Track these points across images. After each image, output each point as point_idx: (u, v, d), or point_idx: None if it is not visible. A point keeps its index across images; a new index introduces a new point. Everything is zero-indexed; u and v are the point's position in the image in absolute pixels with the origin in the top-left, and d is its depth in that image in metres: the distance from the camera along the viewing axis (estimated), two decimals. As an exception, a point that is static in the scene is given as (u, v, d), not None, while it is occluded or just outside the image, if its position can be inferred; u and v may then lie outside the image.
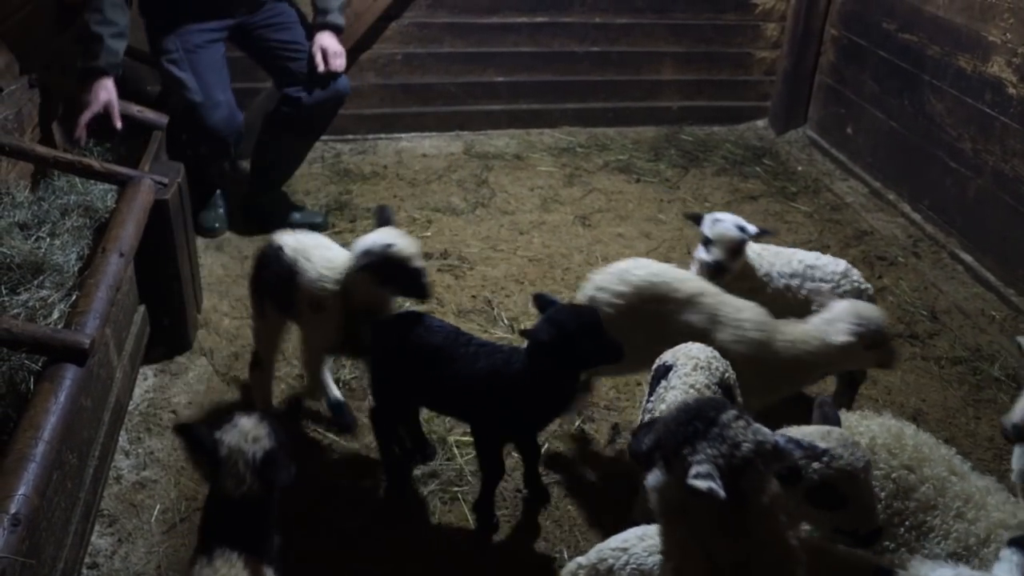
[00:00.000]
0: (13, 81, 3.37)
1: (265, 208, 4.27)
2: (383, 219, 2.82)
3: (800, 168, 5.48)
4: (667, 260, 4.17)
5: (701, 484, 1.54)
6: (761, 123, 6.04)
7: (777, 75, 5.91)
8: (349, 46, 4.86)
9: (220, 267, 4.06)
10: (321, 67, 3.94)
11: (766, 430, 1.68)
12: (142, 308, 3.27)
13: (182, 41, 3.78)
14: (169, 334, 3.44)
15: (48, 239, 2.90)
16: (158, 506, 2.83)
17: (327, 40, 4.00)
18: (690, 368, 2.39)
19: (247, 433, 1.96)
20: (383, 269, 2.64)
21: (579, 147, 5.44)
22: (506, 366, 2.53)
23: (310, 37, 4.03)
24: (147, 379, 3.34)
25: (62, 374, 2.20)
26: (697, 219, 3.21)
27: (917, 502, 2.16)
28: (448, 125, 5.46)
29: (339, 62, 4.00)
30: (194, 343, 3.53)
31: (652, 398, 2.42)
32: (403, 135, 5.41)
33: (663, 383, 2.40)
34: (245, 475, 1.92)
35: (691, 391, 2.30)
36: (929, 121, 4.72)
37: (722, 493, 1.53)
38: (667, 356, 2.51)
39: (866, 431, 2.32)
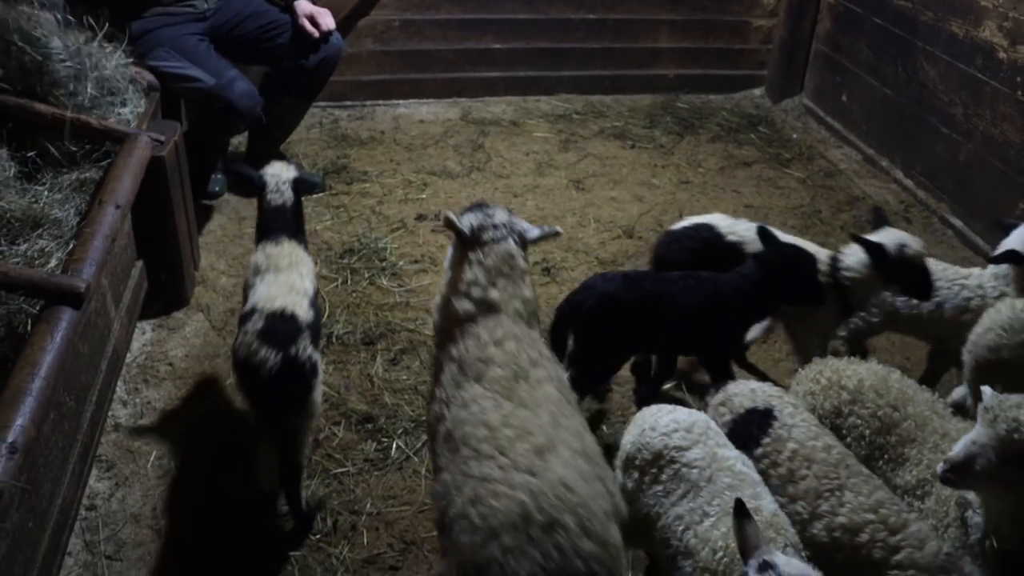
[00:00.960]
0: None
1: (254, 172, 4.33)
2: (879, 221, 3.04)
3: (795, 136, 5.52)
4: (659, 223, 4.31)
5: None
6: (758, 91, 6.07)
7: (774, 43, 5.93)
8: (346, 12, 4.94)
9: (218, 227, 4.13)
10: (315, 33, 3.98)
11: None
12: (140, 263, 3.35)
13: (168, 43, 3.77)
14: (166, 289, 3.52)
15: (47, 194, 2.97)
16: (154, 452, 2.92)
17: (308, 6, 4.04)
18: None
19: (280, 168, 2.91)
20: (895, 268, 2.85)
21: (575, 114, 5.49)
22: (727, 293, 2.79)
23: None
24: (145, 333, 3.43)
25: (58, 316, 2.28)
26: (1008, 227, 3.02)
27: (898, 436, 2.30)
28: (445, 92, 5.50)
29: (328, 20, 4.06)
30: (191, 299, 3.61)
31: None
32: (400, 101, 5.46)
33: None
34: (284, 191, 2.83)
35: None
36: (922, 87, 4.75)
37: None
38: None
39: (854, 374, 2.45)
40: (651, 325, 2.80)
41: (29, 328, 2.32)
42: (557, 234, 2.47)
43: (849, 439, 2.37)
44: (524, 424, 1.88)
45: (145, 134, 3.18)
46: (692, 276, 2.85)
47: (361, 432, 3.01)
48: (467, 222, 2.29)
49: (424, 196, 4.43)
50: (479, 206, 2.37)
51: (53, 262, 2.61)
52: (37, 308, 2.38)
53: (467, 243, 2.28)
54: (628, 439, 2.28)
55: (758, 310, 2.93)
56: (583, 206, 4.46)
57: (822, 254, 3.01)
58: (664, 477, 2.14)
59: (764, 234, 2.89)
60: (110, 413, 3.00)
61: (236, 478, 2.77)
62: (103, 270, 2.59)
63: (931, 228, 4.56)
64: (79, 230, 2.68)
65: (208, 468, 2.87)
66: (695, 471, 2.10)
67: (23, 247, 2.72)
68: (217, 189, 4.32)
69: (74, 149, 3.13)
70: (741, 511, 1.75)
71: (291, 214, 2.85)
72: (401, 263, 3.83)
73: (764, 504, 2.01)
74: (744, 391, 2.42)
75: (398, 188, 4.49)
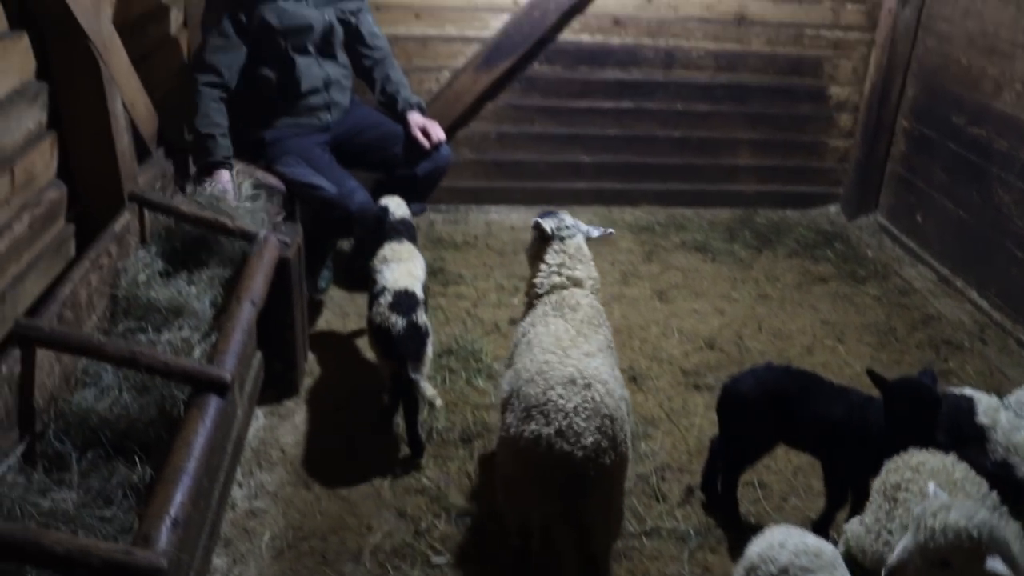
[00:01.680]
0: (159, 147, 3.86)
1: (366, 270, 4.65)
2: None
3: (870, 253, 5.68)
4: (739, 336, 4.50)
5: None
6: (833, 208, 6.28)
7: (849, 163, 6.17)
8: (448, 124, 5.31)
9: (324, 322, 4.43)
10: (427, 144, 4.34)
11: None
12: (259, 354, 3.64)
13: (296, 152, 4.16)
14: (280, 379, 3.80)
15: (188, 286, 3.30)
16: (268, 533, 3.14)
17: (420, 119, 4.44)
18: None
19: (390, 198, 3.97)
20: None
21: (658, 225, 5.75)
22: (865, 412, 2.93)
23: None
24: (259, 419, 3.69)
25: (207, 403, 2.53)
26: None
27: None
28: (536, 200, 5.79)
29: (438, 132, 4.44)
30: (301, 389, 3.88)
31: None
32: (493, 207, 5.80)
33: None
34: (400, 206, 3.94)
35: None
36: (996, 212, 4.91)
37: None
38: None
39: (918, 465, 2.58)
40: (798, 423, 3.03)
41: (180, 412, 2.60)
42: (611, 234, 3.39)
43: None
44: (580, 343, 2.76)
45: (274, 236, 3.51)
46: (849, 390, 3.08)
47: (459, 525, 3.20)
48: (548, 224, 3.16)
49: (516, 301, 4.69)
50: (551, 213, 3.25)
51: (197, 352, 2.90)
52: (185, 394, 2.66)
53: (550, 240, 3.15)
54: (755, 550, 2.43)
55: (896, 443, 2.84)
56: (666, 316, 4.67)
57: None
58: None
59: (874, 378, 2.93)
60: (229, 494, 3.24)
61: (346, 558, 2.99)
62: (241, 362, 2.87)
63: (1007, 350, 4.65)
64: (220, 324, 2.97)
65: (318, 551, 3.08)
66: None
67: (167, 335, 3.04)
68: (324, 285, 4.64)
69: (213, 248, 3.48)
70: None
71: (406, 224, 3.89)
72: (495, 365, 4.06)
73: None
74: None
75: (491, 292, 4.77)
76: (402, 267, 3.64)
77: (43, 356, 2.59)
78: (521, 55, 5.39)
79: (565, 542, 2.69)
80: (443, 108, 5.35)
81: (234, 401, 3.14)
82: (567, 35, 5.48)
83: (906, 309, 5.00)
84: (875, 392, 2.89)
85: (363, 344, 4.24)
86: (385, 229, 3.86)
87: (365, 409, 3.77)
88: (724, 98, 5.84)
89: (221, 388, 2.59)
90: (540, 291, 3.10)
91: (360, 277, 4.67)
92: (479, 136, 5.63)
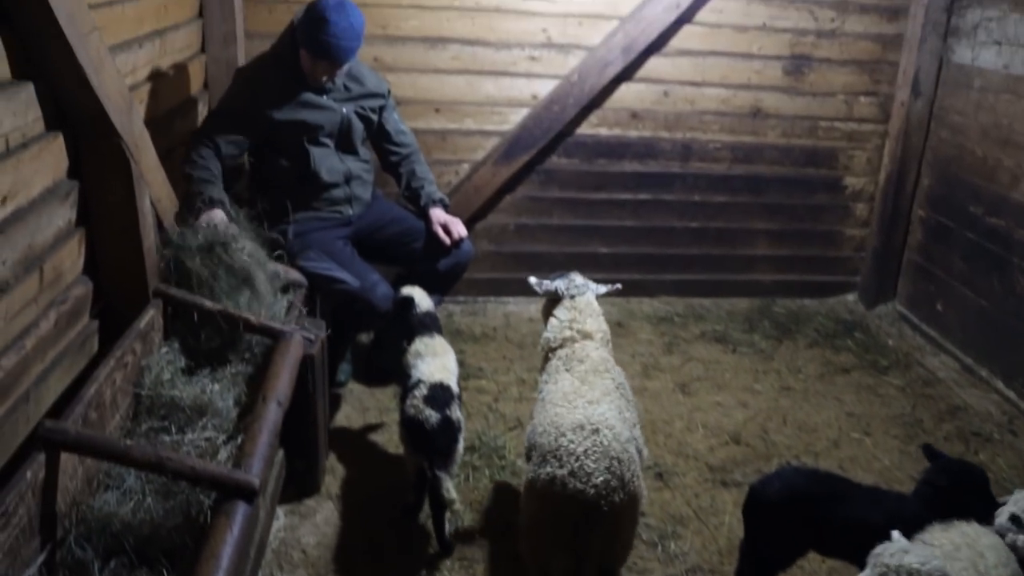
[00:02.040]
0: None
1: (387, 363, 4.61)
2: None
3: (891, 342, 5.64)
4: (764, 430, 4.43)
5: None
6: (851, 297, 6.25)
7: (866, 252, 6.17)
8: (467, 216, 5.33)
9: (344, 417, 4.37)
10: (448, 240, 4.35)
11: None
12: (280, 451, 3.57)
13: (318, 246, 4.15)
14: (301, 477, 3.73)
15: (211, 384, 3.25)
16: (290, 640, 3.04)
17: (442, 215, 4.44)
18: None
19: (411, 288, 3.96)
20: None
21: (677, 316, 5.72)
22: (902, 512, 2.84)
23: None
24: (279, 519, 3.60)
25: (235, 510, 2.46)
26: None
27: None
28: (553, 291, 5.80)
29: (460, 228, 4.43)
30: (323, 487, 3.80)
31: None
32: (511, 299, 5.78)
33: None
34: (423, 299, 3.89)
35: None
36: (1020, 301, 4.88)
37: None
38: None
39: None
40: (830, 529, 2.93)
41: (206, 518, 2.52)
42: (618, 288, 3.74)
43: None
44: (585, 392, 3.04)
45: (299, 332, 3.47)
46: (881, 491, 3.03)
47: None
48: (560, 285, 3.57)
49: (536, 395, 4.62)
50: (562, 274, 3.63)
51: (223, 454, 2.84)
52: (211, 498, 2.59)
53: (561, 299, 3.52)
54: None
55: None
56: (690, 411, 4.60)
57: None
58: None
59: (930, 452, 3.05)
60: (250, 598, 3.14)
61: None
62: (268, 465, 2.80)
63: (1038, 442, 4.57)
64: (246, 424, 2.92)
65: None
66: None
67: (191, 436, 2.98)
68: (343, 378, 4.59)
69: (236, 344, 3.44)
70: None
71: (432, 318, 3.87)
72: (519, 462, 3.99)
73: None
74: None
75: (512, 386, 4.71)
76: (437, 361, 3.62)
77: (66, 459, 2.54)
78: (540, 148, 5.44)
79: None
80: (462, 200, 5.38)
81: (258, 504, 3.07)
82: (585, 129, 5.53)
83: (931, 400, 4.93)
84: (900, 485, 2.85)
85: (384, 439, 4.18)
86: (413, 323, 3.83)
87: (389, 507, 3.68)
88: (741, 189, 5.87)
89: (249, 494, 2.53)
90: (553, 345, 3.40)
91: (380, 370, 4.64)
92: (497, 228, 5.65)
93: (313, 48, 3.93)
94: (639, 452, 2.97)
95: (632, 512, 2.83)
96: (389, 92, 4.48)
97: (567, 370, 3.20)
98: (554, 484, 2.71)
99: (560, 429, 2.83)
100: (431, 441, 3.30)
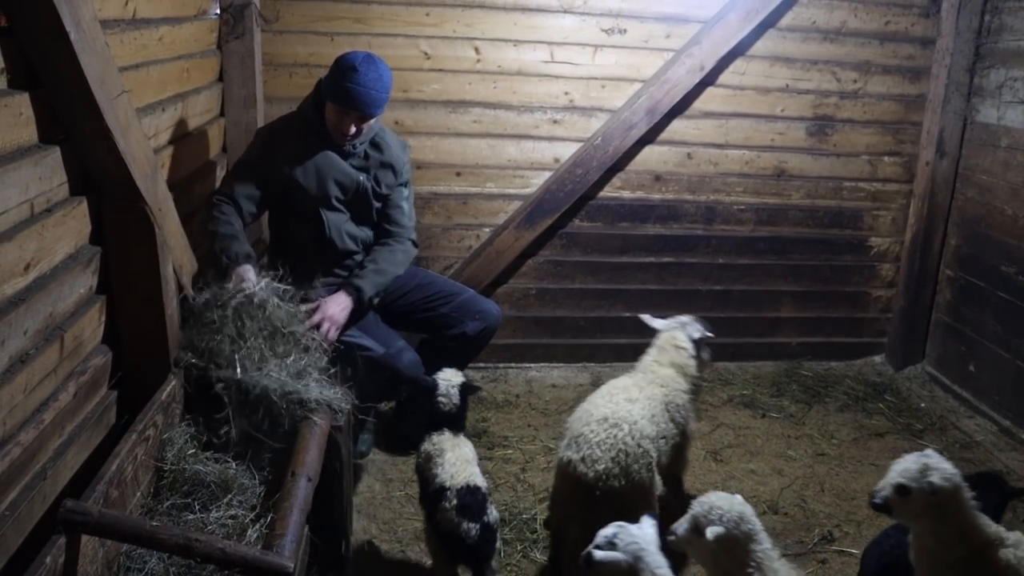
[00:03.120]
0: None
1: (410, 432, 4.45)
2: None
3: (923, 405, 5.49)
4: (801, 498, 4.26)
5: None
6: (878, 359, 6.12)
7: (893, 313, 6.06)
8: (488, 280, 5.24)
9: (366, 488, 4.21)
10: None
11: None
12: (306, 528, 3.40)
13: None
14: (326, 553, 3.55)
15: (234, 461, 3.11)
16: None
17: (332, 305, 3.89)
18: None
19: (451, 374, 3.51)
20: None
21: (703, 381, 5.57)
22: None
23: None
24: (303, 600, 3.43)
25: (268, 595, 2.32)
26: None
27: None
28: (576, 357, 5.69)
29: (331, 332, 3.85)
30: (347, 564, 3.62)
31: None
32: (533, 365, 5.65)
33: None
34: (453, 395, 3.43)
35: None
36: (1060, 364, 4.76)
37: None
38: None
39: None
40: None
41: (235, 604, 2.37)
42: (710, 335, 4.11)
43: None
44: (631, 392, 3.54)
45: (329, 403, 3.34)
46: None
47: None
48: (660, 323, 4.07)
49: (565, 463, 4.48)
50: (680, 321, 4.08)
51: (252, 533, 2.69)
52: (239, 582, 2.44)
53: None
54: None
55: None
56: (724, 479, 4.45)
57: None
58: None
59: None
60: None
61: None
62: (300, 546, 2.65)
63: (1085, 507, 4.40)
64: (275, 502, 2.77)
65: None
66: None
67: (215, 514, 2.84)
68: (365, 448, 4.44)
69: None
70: None
71: (457, 416, 3.44)
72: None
73: None
74: None
75: (539, 455, 4.56)
76: (453, 456, 3.29)
77: (86, 540, 2.39)
78: (563, 212, 5.36)
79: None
80: (484, 265, 5.28)
81: (284, 585, 2.90)
82: (608, 191, 5.47)
83: (971, 464, 4.76)
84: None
85: (410, 512, 4.01)
86: (434, 415, 3.46)
87: (415, 583, 3.51)
88: (765, 251, 5.78)
89: (281, 577, 2.38)
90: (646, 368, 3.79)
91: (403, 439, 4.49)
92: (519, 293, 5.55)
93: (340, 98, 3.80)
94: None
95: (636, 497, 3.18)
96: (408, 180, 4.28)
97: (631, 373, 3.75)
98: (569, 466, 3.23)
99: (589, 419, 3.30)
100: (474, 552, 3.10)
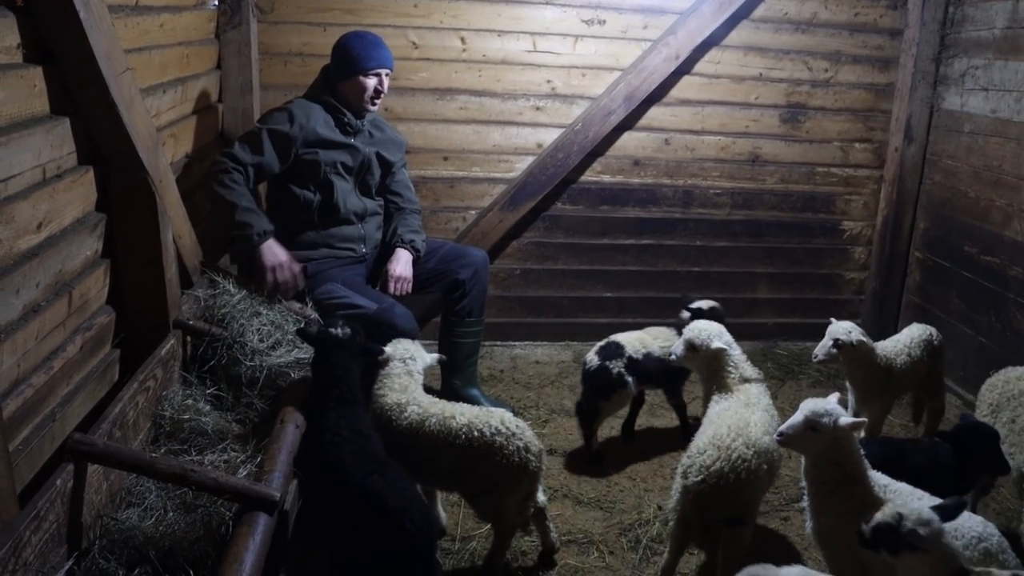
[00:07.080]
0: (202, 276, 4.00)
1: (459, 387, 4.73)
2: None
3: (893, 381, 5.69)
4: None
5: None
6: (853, 340, 6.33)
7: (866, 294, 6.29)
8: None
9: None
10: (389, 288, 4.45)
11: None
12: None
13: (335, 278, 4.30)
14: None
15: (232, 415, 3.36)
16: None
17: (399, 265, 4.51)
18: None
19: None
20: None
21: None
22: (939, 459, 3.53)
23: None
24: None
25: (256, 520, 2.54)
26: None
27: None
28: (559, 335, 5.93)
29: (407, 287, 4.52)
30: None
31: None
32: (517, 343, 5.90)
33: None
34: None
35: None
36: (1018, 336, 4.98)
37: None
38: None
39: None
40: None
41: (227, 530, 2.60)
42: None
43: None
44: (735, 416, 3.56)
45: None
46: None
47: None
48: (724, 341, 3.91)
49: (546, 431, 4.72)
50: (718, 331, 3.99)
51: (243, 471, 2.93)
52: (232, 512, 2.67)
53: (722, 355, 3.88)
54: None
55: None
56: (695, 444, 4.66)
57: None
58: None
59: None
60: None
61: None
62: (288, 481, 2.89)
63: (1041, 475, 4.61)
64: (265, 445, 3.01)
65: None
66: None
67: (211, 457, 3.08)
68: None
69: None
70: None
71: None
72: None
73: None
74: None
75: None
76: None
77: (92, 472, 2.63)
78: (545, 195, 5.60)
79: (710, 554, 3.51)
80: (469, 245, 5.50)
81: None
82: (589, 176, 5.71)
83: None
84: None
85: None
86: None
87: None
88: (741, 234, 6.02)
89: (270, 506, 2.61)
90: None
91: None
92: (504, 273, 5.78)
93: (365, 63, 4.26)
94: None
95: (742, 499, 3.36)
96: (404, 152, 4.77)
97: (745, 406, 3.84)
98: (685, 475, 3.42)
99: (715, 441, 3.40)
100: None
